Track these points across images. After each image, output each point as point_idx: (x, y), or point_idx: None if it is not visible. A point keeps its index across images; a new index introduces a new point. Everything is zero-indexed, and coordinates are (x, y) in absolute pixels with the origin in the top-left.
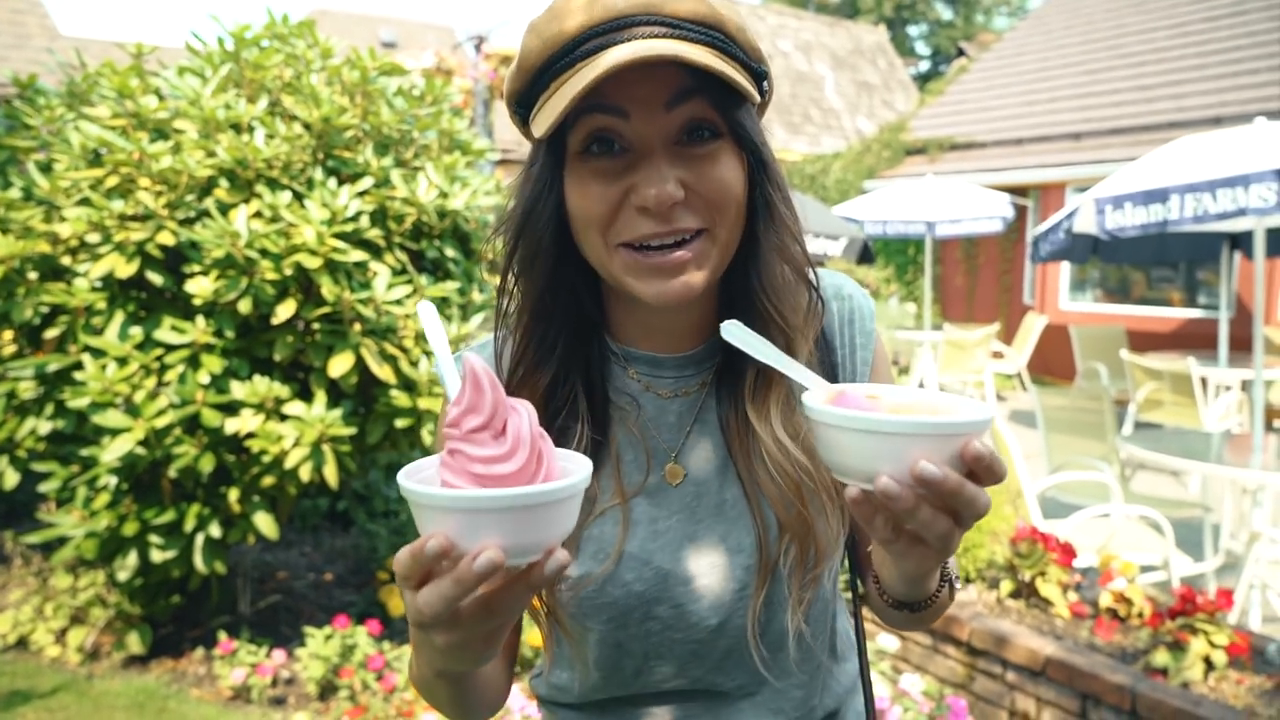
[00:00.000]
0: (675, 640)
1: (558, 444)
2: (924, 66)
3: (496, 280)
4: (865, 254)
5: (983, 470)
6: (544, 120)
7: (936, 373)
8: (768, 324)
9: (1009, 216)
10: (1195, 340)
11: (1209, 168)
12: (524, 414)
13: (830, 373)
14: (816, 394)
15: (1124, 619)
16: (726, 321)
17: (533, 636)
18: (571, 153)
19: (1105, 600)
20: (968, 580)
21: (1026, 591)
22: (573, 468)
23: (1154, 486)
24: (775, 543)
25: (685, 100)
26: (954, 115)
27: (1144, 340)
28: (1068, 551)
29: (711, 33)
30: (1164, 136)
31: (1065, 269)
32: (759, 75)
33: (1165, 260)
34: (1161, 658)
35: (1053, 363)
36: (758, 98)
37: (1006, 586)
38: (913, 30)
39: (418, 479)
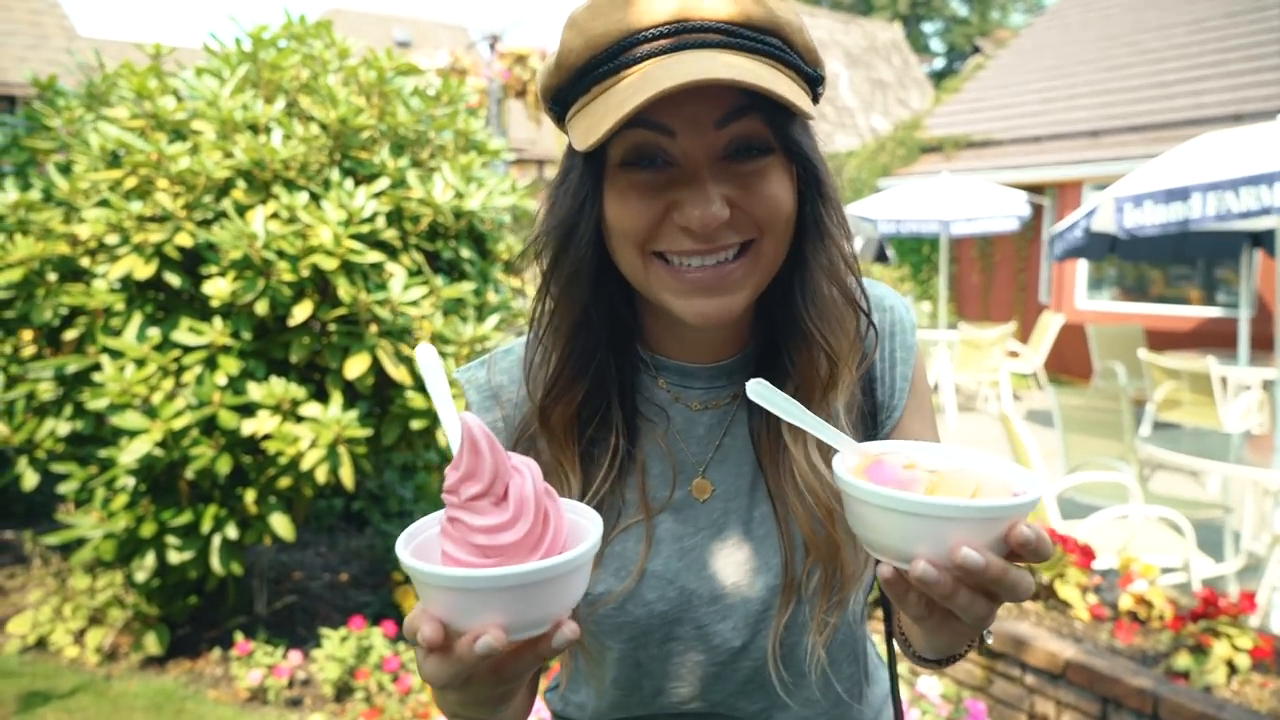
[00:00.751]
0: (697, 661)
1: (589, 457)
2: (939, 64)
3: (513, 281)
4: (881, 254)
5: (1029, 555)
6: (584, 130)
7: (952, 372)
8: (810, 345)
9: (1025, 215)
10: (1214, 339)
11: (1231, 165)
12: (527, 475)
13: (868, 385)
14: (848, 459)
15: (1144, 621)
16: (752, 381)
17: None
18: (612, 164)
19: (1125, 602)
20: None
21: (1045, 594)
22: (582, 523)
23: (1173, 487)
24: (803, 564)
25: (737, 119)
26: (970, 113)
27: (1162, 339)
28: (1087, 553)
29: (768, 39)
30: (1183, 134)
31: (1082, 267)
32: (814, 80)
33: (1184, 258)
34: (1183, 661)
35: (1069, 362)
36: (812, 111)
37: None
38: (928, 27)
39: (418, 541)
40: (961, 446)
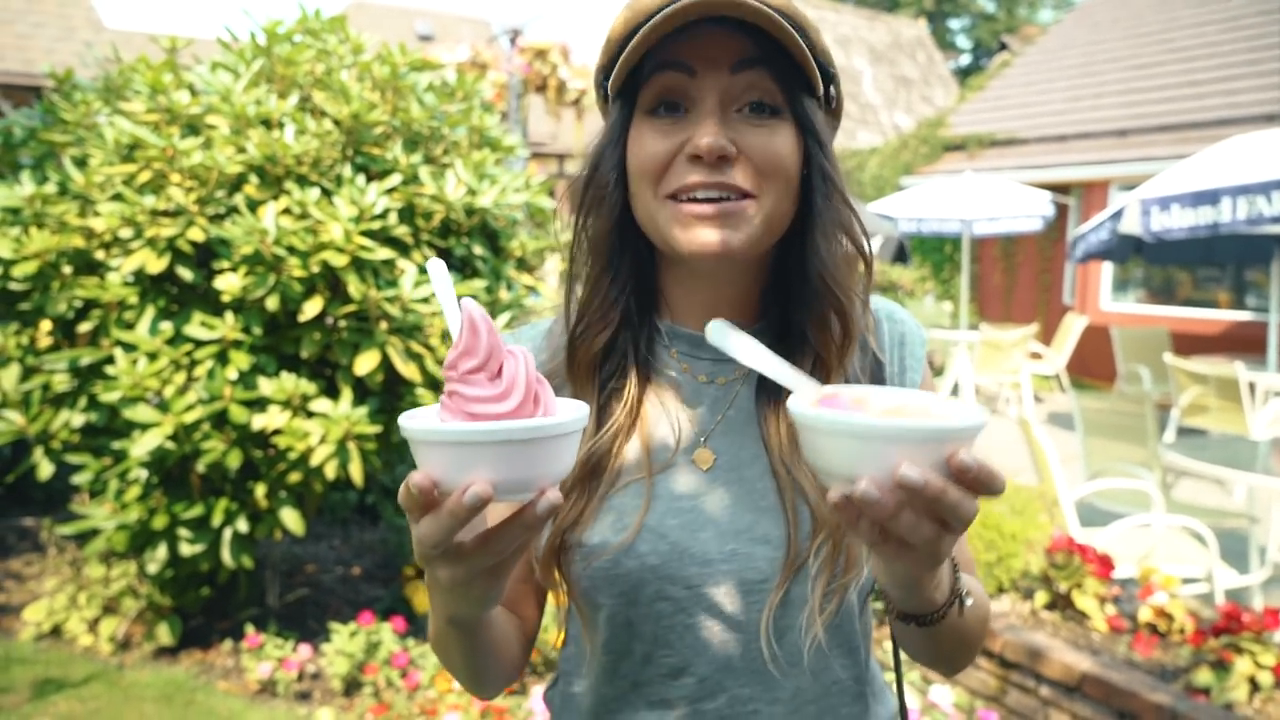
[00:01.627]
0: (686, 626)
1: (605, 409)
2: (965, 61)
3: (526, 278)
4: (901, 254)
5: (969, 482)
6: (618, 70)
7: (972, 373)
8: (824, 298)
9: (1049, 215)
10: (1243, 343)
11: (1263, 168)
12: (520, 358)
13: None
14: (804, 396)
15: (1164, 635)
16: (712, 320)
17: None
18: (640, 109)
19: (1145, 615)
20: (1000, 590)
21: (1062, 603)
22: (572, 409)
23: (1197, 495)
24: (806, 539)
25: (750, 66)
26: (995, 111)
27: (1189, 343)
28: (1106, 563)
29: (787, 16)
30: (1214, 134)
31: (1107, 268)
32: (826, 75)
33: (1212, 261)
34: (1204, 677)
35: (1092, 365)
36: (819, 88)
37: (1041, 598)
38: (954, 23)
39: (417, 421)
40: (917, 392)
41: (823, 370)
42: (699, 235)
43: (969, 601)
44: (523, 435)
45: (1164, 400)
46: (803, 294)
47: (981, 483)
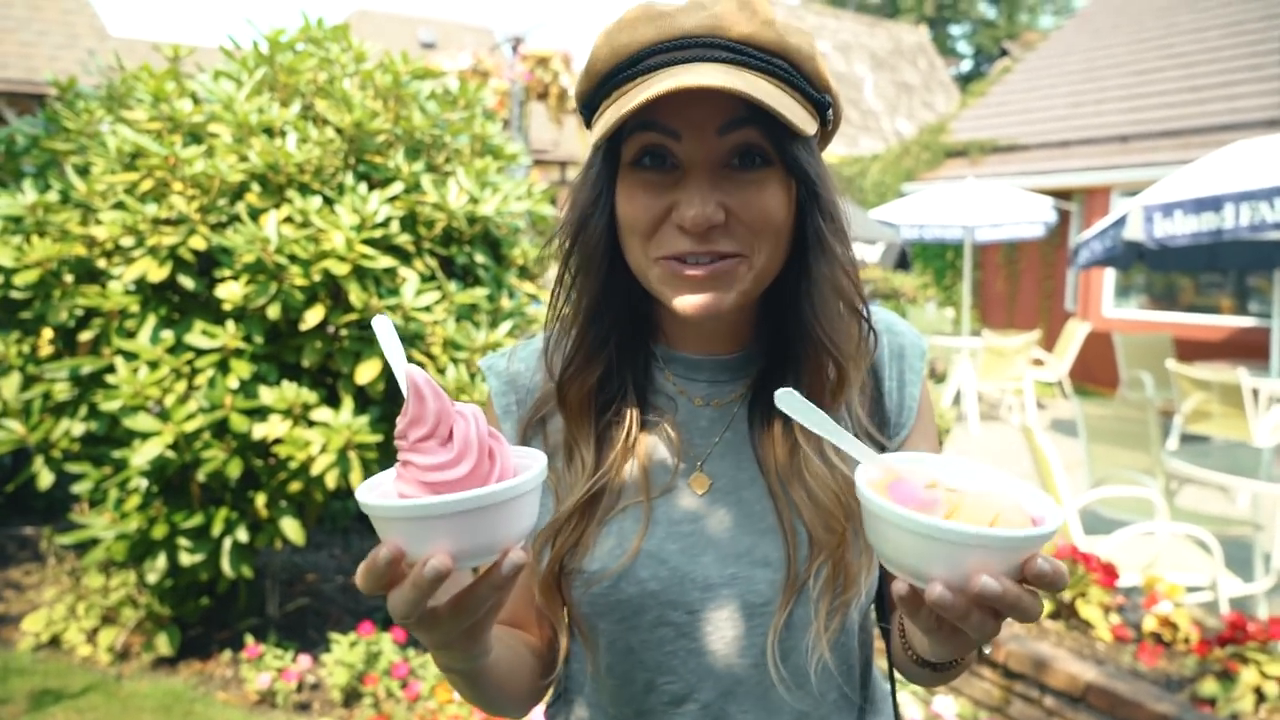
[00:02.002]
0: (689, 650)
1: (603, 439)
2: (966, 67)
3: (528, 287)
4: (902, 260)
5: (1043, 586)
6: (599, 128)
7: (975, 381)
8: (819, 351)
9: (1051, 221)
10: (1246, 349)
11: (1266, 174)
12: (470, 418)
13: (877, 401)
14: (870, 471)
15: (1169, 644)
16: (781, 390)
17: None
18: (625, 162)
19: (1149, 624)
20: None
21: (1066, 613)
22: (527, 464)
23: (1201, 502)
24: (806, 561)
25: (737, 128)
26: (996, 117)
27: (1192, 349)
28: (1110, 572)
29: (774, 61)
30: (1217, 139)
31: (1109, 274)
32: (821, 105)
33: (1216, 268)
34: (1209, 687)
35: (1096, 371)
36: (812, 130)
37: (1046, 607)
38: (955, 30)
39: (377, 493)
40: (981, 464)
41: (813, 401)
42: (690, 299)
43: (989, 651)
44: (477, 504)
45: (1167, 407)
46: (798, 335)
47: (1055, 587)
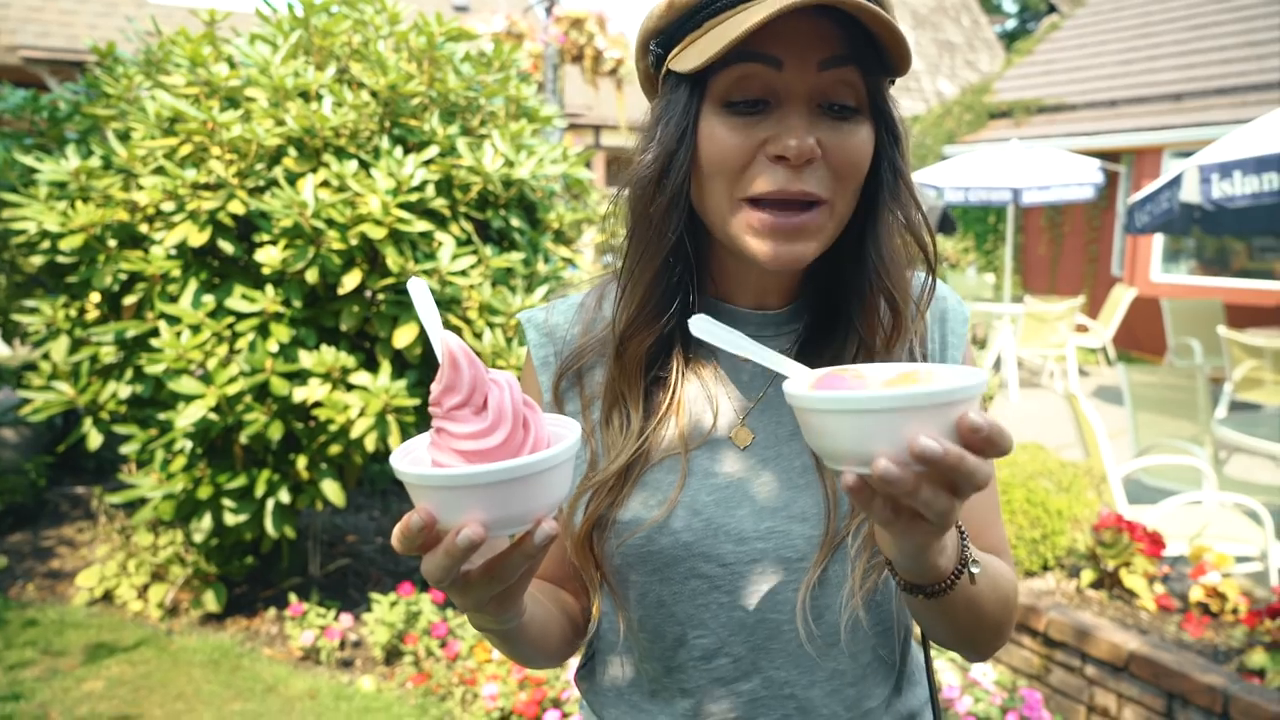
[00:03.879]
0: (720, 605)
1: (650, 392)
2: (1011, 24)
3: (563, 251)
4: (945, 223)
5: (981, 442)
6: (695, 55)
7: (1016, 347)
8: (877, 292)
9: (1100, 183)
10: None
11: None
12: (505, 386)
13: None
14: (799, 380)
15: (1216, 615)
16: (694, 317)
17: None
18: (713, 97)
19: (1196, 594)
20: (1045, 568)
21: (1109, 582)
22: (563, 434)
23: (1251, 472)
24: (845, 518)
25: (839, 64)
26: (1043, 76)
27: (1243, 315)
28: (1155, 541)
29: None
30: (1276, 97)
31: (1159, 239)
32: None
33: (1275, 231)
34: (1258, 658)
35: (1141, 338)
36: (906, 70)
37: (1087, 576)
38: None
39: (410, 459)
40: (907, 364)
41: (867, 356)
42: (774, 249)
43: (977, 570)
44: (510, 475)
45: (1216, 374)
46: (856, 283)
47: (993, 442)
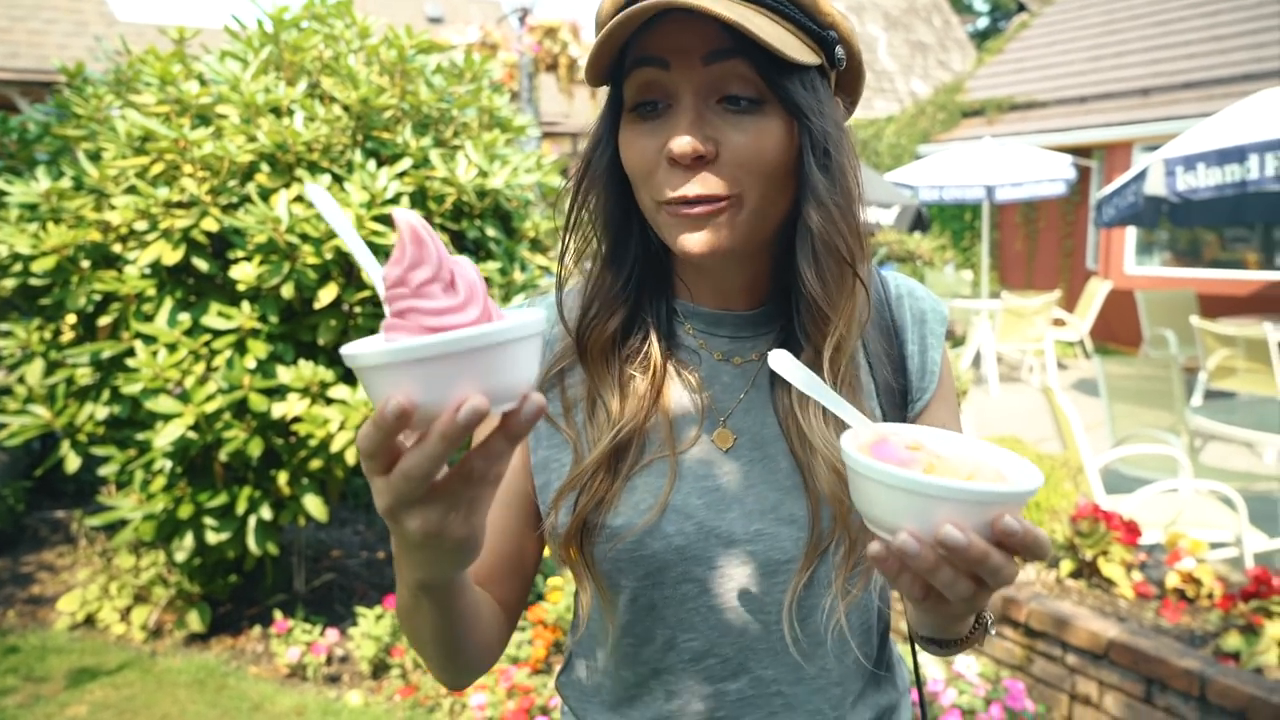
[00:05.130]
0: (710, 607)
1: (625, 390)
2: (982, 23)
3: (539, 259)
4: (919, 222)
5: (1013, 545)
6: (591, 61)
7: (994, 342)
8: (810, 302)
9: (1071, 178)
10: (1272, 304)
11: None
12: (467, 264)
13: (900, 366)
14: (858, 435)
15: (1192, 600)
16: (773, 351)
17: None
18: (626, 107)
19: (1172, 580)
20: None
21: (1088, 571)
22: (528, 311)
23: (1226, 459)
24: (830, 522)
25: (724, 58)
26: (1014, 74)
27: (1216, 305)
28: (1132, 530)
29: None
30: (1240, 90)
31: (1131, 232)
32: (824, 40)
33: (1241, 221)
34: (1233, 641)
35: (1117, 330)
36: (807, 61)
37: (1066, 566)
38: None
39: (378, 344)
40: (974, 438)
41: (817, 365)
42: (689, 239)
43: (993, 630)
44: (508, 336)
45: (1191, 364)
46: (795, 289)
47: (1026, 547)
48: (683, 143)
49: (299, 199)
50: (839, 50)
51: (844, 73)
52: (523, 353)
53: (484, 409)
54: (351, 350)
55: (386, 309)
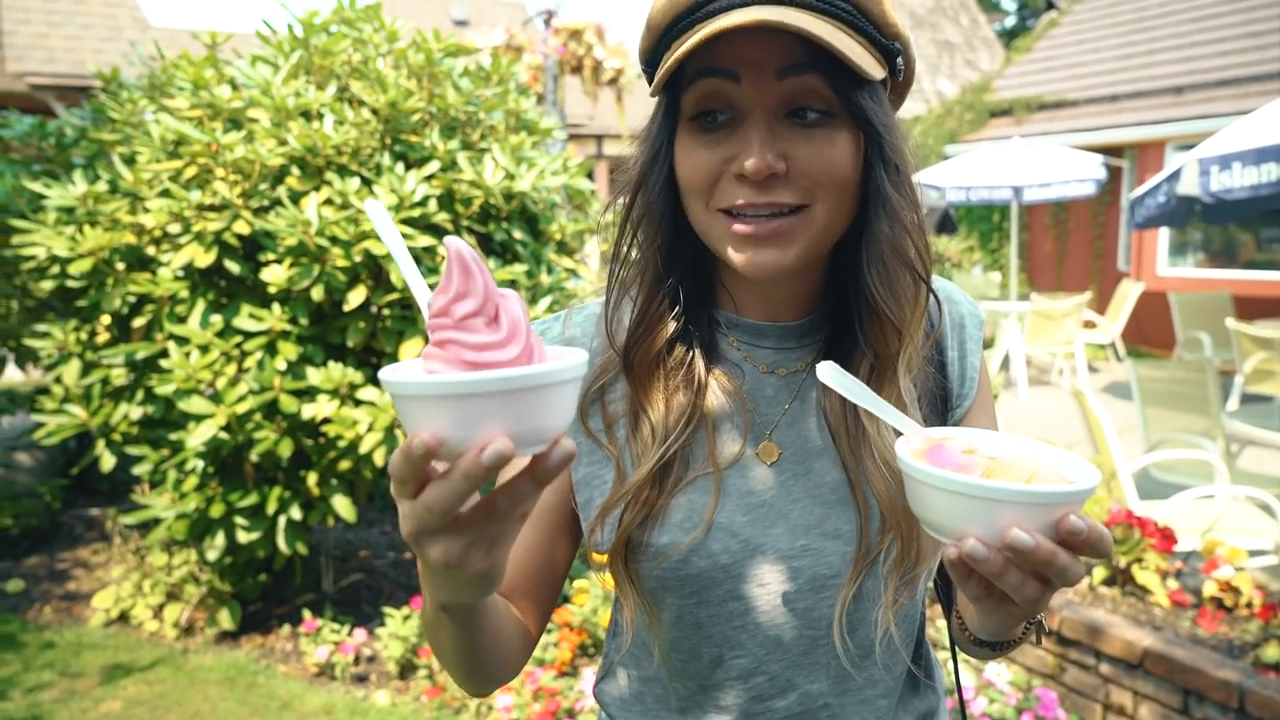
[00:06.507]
0: (758, 625)
1: (669, 405)
2: (1010, 22)
3: (566, 262)
4: (945, 223)
5: (1079, 544)
6: (658, 77)
7: (1024, 345)
8: (876, 313)
9: (1102, 178)
10: None
11: None
12: (514, 299)
13: (941, 372)
14: (911, 441)
15: (1230, 609)
16: (823, 363)
17: (606, 620)
18: (684, 116)
19: (1209, 589)
20: None
21: (1122, 579)
22: (570, 353)
23: (1263, 464)
24: (878, 534)
25: (798, 73)
26: (1043, 73)
27: (1252, 306)
28: (1167, 536)
29: (837, 3)
30: (1277, 87)
31: (1164, 232)
32: (889, 52)
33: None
34: (1273, 652)
35: (1149, 332)
36: (878, 74)
37: (1100, 573)
38: None
39: (416, 375)
40: (1024, 437)
41: (879, 374)
42: (752, 256)
43: (1047, 627)
44: (540, 381)
45: (1226, 367)
46: (858, 298)
47: (1092, 545)
48: (757, 162)
49: (329, 202)
50: (899, 60)
51: (899, 81)
52: (557, 397)
53: (508, 453)
54: (388, 376)
55: (429, 335)
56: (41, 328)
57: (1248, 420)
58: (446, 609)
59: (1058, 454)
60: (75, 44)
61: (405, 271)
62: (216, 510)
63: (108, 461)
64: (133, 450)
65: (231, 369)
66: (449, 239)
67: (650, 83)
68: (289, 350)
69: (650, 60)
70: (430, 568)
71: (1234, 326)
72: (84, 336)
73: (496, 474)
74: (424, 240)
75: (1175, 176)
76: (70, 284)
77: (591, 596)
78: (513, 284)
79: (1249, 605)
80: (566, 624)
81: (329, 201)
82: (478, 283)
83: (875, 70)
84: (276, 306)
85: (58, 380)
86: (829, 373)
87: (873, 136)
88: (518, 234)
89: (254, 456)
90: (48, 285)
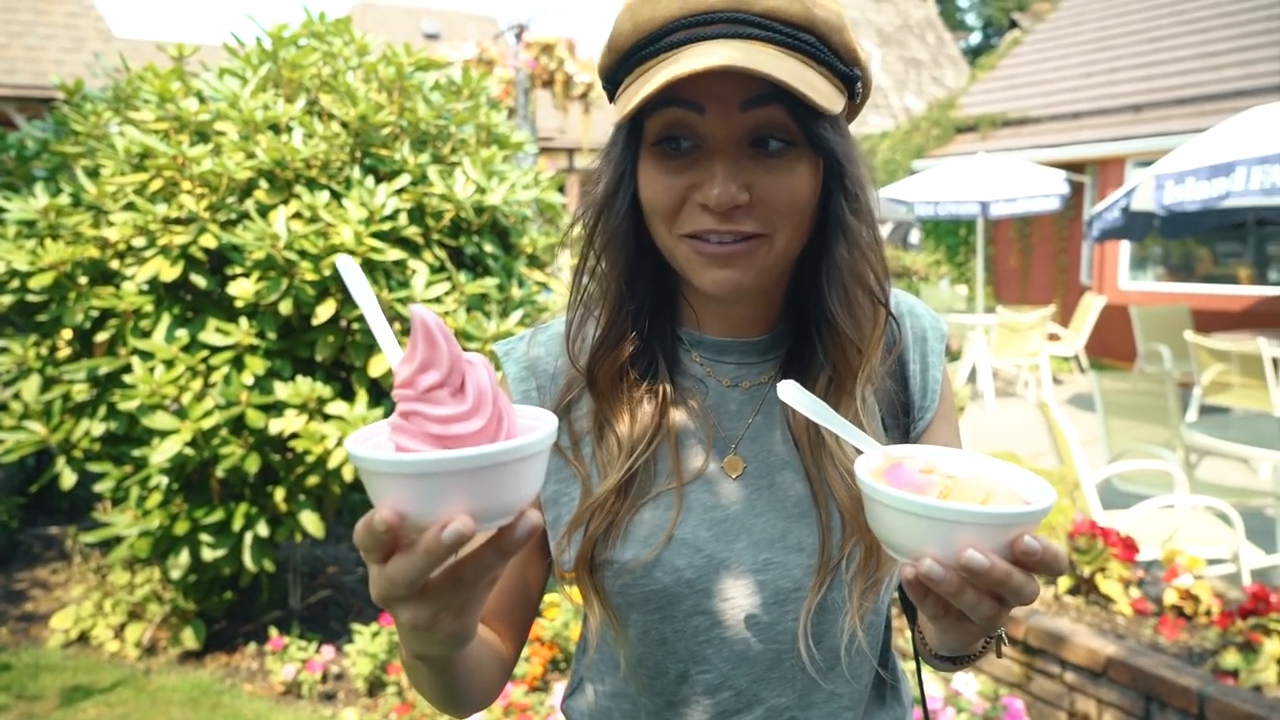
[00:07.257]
0: (723, 639)
1: (634, 419)
2: (975, 40)
3: (537, 275)
4: (908, 239)
5: (1033, 564)
6: (623, 102)
7: (990, 357)
8: (836, 334)
9: (1065, 193)
10: (1265, 319)
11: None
12: (481, 367)
13: (903, 385)
14: (871, 459)
15: (1190, 617)
16: (783, 382)
17: (576, 633)
18: (647, 142)
19: (1170, 597)
20: None
21: (1085, 588)
22: (535, 424)
23: (1222, 474)
24: (840, 545)
25: (761, 105)
26: (1007, 90)
27: (1210, 320)
28: (1129, 546)
29: (800, 36)
30: (1232, 106)
31: (1125, 247)
32: (850, 79)
33: (1228, 224)
34: (1232, 659)
35: (1112, 345)
36: (839, 107)
37: (1064, 583)
38: (963, 2)
39: (371, 445)
40: (982, 455)
41: (837, 388)
42: (714, 275)
43: (1006, 641)
44: (503, 458)
45: (1186, 379)
46: (817, 313)
47: (1046, 565)
48: (720, 195)
49: (297, 215)
50: (858, 86)
51: (855, 105)
52: (523, 471)
53: (469, 532)
54: (353, 449)
55: (395, 404)
56: (0, 343)
57: (1206, 431)
58: (421, 659)
59: (1016, 473)
60: (37, 54)
61: (377, 332)
62: (181, 527)
63: (68, 479)
64: (94, 467)
65: (197, 384)
66: (414, 307)
67: (611, 99)
68: (256, 365)
69: (611, 79)
70: (400, 625)
71: (1192, 339)
72: (44, 351)
73: (458, 550)
74: (394, 254)
75: (1131, 193)
76: (30, 298)
77: (563, 611)
78: (484, 297)
79: (1208, 613)
80: (538, 638)
81: (298, 215)
82: (442, 352)
83: (836, 103)
84: (244, 320)
85: (16, 396)
86: (790, 392)
87: (834, 165)
88: (489, 248)
89: (220, 472)
90: (7, 300)
